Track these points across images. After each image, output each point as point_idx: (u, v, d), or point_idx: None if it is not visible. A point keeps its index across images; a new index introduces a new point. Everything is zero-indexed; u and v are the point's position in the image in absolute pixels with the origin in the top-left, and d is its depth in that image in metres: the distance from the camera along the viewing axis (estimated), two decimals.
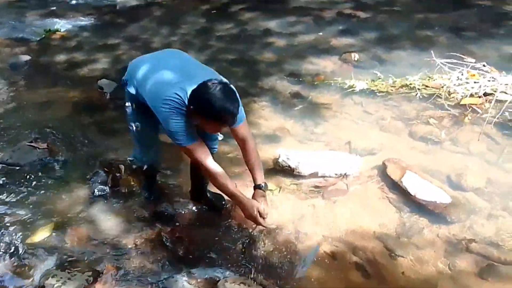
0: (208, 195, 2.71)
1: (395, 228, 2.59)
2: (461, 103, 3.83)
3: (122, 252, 2.42)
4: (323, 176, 2.97)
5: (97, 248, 2.48)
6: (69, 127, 3.68)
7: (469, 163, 3.15)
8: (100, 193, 2.86)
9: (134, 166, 2.60)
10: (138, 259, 2.38)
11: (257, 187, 2.28)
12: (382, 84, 4.27)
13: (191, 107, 1.94)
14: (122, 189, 2.92)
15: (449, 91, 4.02)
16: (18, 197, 2.88)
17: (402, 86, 4.22)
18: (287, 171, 2.99)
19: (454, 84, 4.10)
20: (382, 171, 3.03)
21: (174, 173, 3.05)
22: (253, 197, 2.26)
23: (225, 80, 2.03)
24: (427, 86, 4.16)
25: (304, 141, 3.50)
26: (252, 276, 2.25)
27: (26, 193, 2.91)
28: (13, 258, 2.41)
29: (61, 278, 2.18)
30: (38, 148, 3.31)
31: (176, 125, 1.98)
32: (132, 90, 2.21)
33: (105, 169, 3.03)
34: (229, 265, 2.33)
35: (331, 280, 2.24)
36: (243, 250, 2.41)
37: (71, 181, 3.04)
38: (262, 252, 2.42)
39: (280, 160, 3.00)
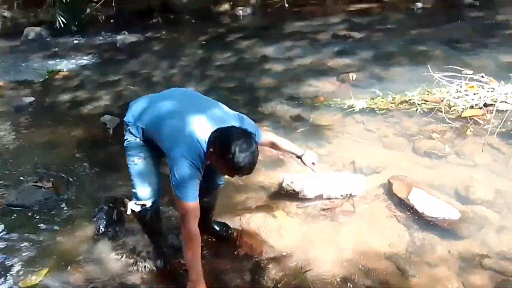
0: (214, 225, 2.68)
1: (405, 247, 2.55)
2: (462, 115, 3.83)
3: None
4: (328, 198, 2.95)
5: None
6: (73, 164, 3.70)
7: (476, 175, 3.12)
8: (105, 229, 2.84)
9: (138, 210, 2.35)
10: None
11: (301, 156, 2.50)
12: (382, 101, 4.30)
13: (211, 149, 1.90)
14: (128, 224, 2.90)
15: (449, 104, 4.04)
16: (23, 240, 2.87)
17: (401, 102, 4.24)
18: (292, 195, 2.97)
19: (454, 97, 4.11)
20: (388, 190, 3.00)
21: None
22: (304, 162, 2.51)
23: (249, 130, 1.98)
24: (426, 101, 4.18)
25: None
26: None
27: (30, 235, 2.90)
28: None
29: None
30: (43, 188, 3.33)
31: (189, 176, 1.93)
32: (136, 132, 2.18)
33: (110, 204, 3.02)
34: None
35: None
36: (251, 279, 2.36)
37: (77, 219, 3.03)
38: (271, 281, 2.38)
39: (284, 184, 2.99)
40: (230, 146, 1.82)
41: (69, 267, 2.59)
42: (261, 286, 2.35)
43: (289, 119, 4.25)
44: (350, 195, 2.94)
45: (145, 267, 2.52)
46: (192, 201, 1.97)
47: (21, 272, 2.58)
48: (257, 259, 2.52)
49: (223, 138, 1.88)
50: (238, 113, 2.17)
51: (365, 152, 3.55)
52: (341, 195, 2.95)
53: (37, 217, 3.08)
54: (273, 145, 2.39)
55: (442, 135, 3.68)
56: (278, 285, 2.34)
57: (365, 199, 2.98)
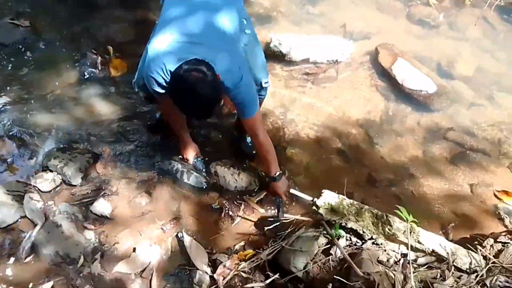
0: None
1: (379, 115, 2.71)
2: None
3: (117, 135, 2.52)
4: (314, 63, 2.96)
5: (92, 130, 2.56)
6: (50, 1, 3.45)
7: (462, 50, 3.13)
8: (90, 75, 2.84)
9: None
10: (132, 143, 2.49)
11: (271, 179, 2.12)
12: None
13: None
14: (112, 72, 2.89)
15: None
16: (8, 77, 2.86)
17: None
18: (279, 57, 2.95)
19: None
20: (374, 58, 3.02)
21: None
22: (273, 189, 2.17)
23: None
24: None
25: (299, 22, 3.37)
26: (244, 163, 2.40)
27: (15, 72, 2.88)
28: (13, 139, 2.51)
29: (63, 159, 2.32)
30: (21, 26, 3.16)
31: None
32: None
33: (93, 50, 2.95)
34: (221, 150, 2.48)
35: (315, 163, 2.43)
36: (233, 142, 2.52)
37: (59, 62, 2.97)
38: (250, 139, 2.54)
39: (271, 45, 2.94)
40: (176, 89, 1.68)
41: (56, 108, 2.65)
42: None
43: None
44: (336, 61, 2.95)
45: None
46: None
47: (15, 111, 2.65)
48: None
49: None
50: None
51: (359, 15, 3.43)
52: (327, 61, 2.96)
53: (18, 56, 3.01)
54: (252, 139, 2.11)
55: (440, 2, 3.53)
56: None
57: (350, 66, 3.01)
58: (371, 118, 2.69)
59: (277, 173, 2.07)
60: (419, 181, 2.37)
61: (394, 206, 1.88)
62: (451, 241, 1.90)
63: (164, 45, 1.72)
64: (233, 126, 2.53)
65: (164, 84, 1.73)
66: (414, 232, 1.77)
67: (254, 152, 2.47)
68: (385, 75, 2.90)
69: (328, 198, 1.82)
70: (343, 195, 1.87)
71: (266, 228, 2.07)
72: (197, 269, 1.95)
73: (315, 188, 2.20)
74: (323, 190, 1.85)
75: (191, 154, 2.31)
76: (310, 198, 1.85)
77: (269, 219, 2.06)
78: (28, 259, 2.00)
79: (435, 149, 2.54)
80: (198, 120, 1.96)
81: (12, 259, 2.00)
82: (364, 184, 2.31)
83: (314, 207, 1.81)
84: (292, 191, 1.82)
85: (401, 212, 1.68)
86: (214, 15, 1.83)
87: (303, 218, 1.87)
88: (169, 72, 1.69)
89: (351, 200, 1.84)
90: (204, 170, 2.34)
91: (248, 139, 2.48)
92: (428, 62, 3.01)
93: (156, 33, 1.80)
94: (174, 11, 1.85)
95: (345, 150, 2.50)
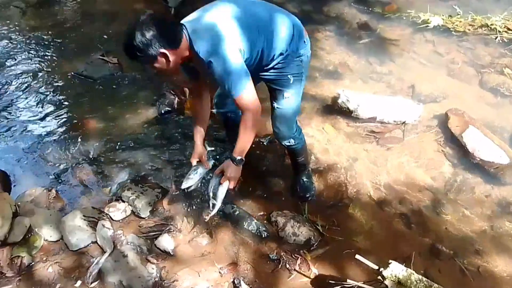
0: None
1: (445, 183, 2.64)
2: None
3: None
4: (381, 122, 2.98)
5: (164, 166, 2.73)
6: None
7: None
8: (166, 114, 3.05)
9: None
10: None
11: (231, 158, 2.01)
12: (460, 21, 3.97)
13: None
14: (187, 112, 3.09)
15: None
16: (94, 108, 3.14)
17: (481, 26, 3.91)
18: (346, 113, 3.01)
19: None
20: (443, 122, 2.99)
21: None
22: (224, 166, 2.06)
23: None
24: (509, 29, 3.83)
25: (366, 79, 3.44)
26: (303, 212, 2.43)
27: (101, 104, 3.17)
28: (93, 166, 2.72)
29: (135, 191, 2.48)
30: (110, 63, 3.50)
31: None
32: None
33: (171, 91, 3.18)
34: (282, 200, 2.53)
35: (376, 225, 2.40)
36: (294, 187, 2.57)
37: (140, 99, 3.25)
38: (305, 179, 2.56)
39: (339, 101, 3.01)
40: None
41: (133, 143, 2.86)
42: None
43: (355, 26, 4.04)
44: (404, 122, 2.96)
45: None
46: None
47: (97, 140, 2.90)
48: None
49: None
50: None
51: (428, 77, 3.43)
52: (394, 121, 2.97)
53: (105, 90, 3.31)
54: (241, 124, 1.92)
55: None
56: (320, 195, 2.55)
57: (417, 128, 2.99)
58: (436, 185, 2.64)
59: (239, 158, 1.97)
60: (486, 258, 2.26)
61: (459, 282, 1.81)
62: None
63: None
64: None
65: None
66: None
67: (308, 195, 2.50)
68: (454, 141, 2.85)
69: (396, 270, 1.78)
70: (409, 265, 1.83)
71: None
72: None
73: (374, 252, 2.17)
74: (390, 261, 1.82)
75: (194, 157, 2.21)
76: (376, 267, 1.82)
77: (328, 280, 2.05)
78: (93, 284, 2.12)
79: (505, 225, 2.42)
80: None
81: (79, 282, 2.13)
82: (427, 254, 2.24)
83: (379, 277, 1.79)
84: (357, 256, 1.82)
85: None
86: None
87: (366, 286, 1.84)
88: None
89: (420, 276, 1.79)
90: (199, 177, 2.22)
91: (304, 179, 2.51)
92: (500, 133, 2.93)
93: None
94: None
95: (408, 215, 2.45)
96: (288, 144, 2.29)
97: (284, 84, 2.05)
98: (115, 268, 2.14)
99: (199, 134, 2.20)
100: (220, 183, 2.07)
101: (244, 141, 1.95)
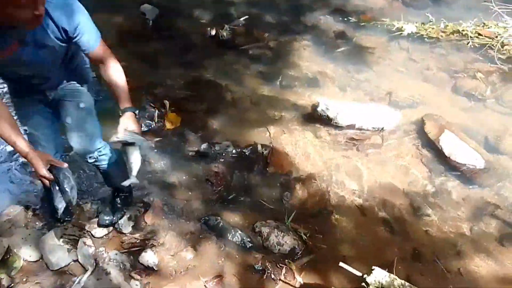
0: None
1: (424, 187, 2.70)
2: None
3: (168, 187, 2.64)
4: (360, 129, 3.03)
5: (144, 180, 2.70)
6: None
7: (510, 125, 3.12)
8: (147, 127, 3.02)
9: None
10: (183, 195, 2.60)
11: (125, 110, 1.88)
12: (433, 28, 4.09)
13: None
14: (167, 125, 3.07)
15: (502, 42, 3.82)
16: None
17: (453, 32, 4.03)
18: (325, 121, 3.05)
19: (510, 35, 3.87)
20: (420, 128, 3.06)
21: (212, 114, 3.16)
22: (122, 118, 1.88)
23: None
24: (480, 35, 3.96)
25: (344, 87, 3.50)
26: (286, 221, 2.45)
27: None
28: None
29: None
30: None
31: None
32: None
33: (151, 104, 3.16)
34: (265, 210, 2.54)
35: (357, 233, 2.43)
36: (279, 198, 2.58)
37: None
38: (296, 199, 2.60)
39: (319, 109, 3.05)
40: None
41: None
42: (286, 207, 2.55)
43: (332, 35, 4.11)
44: (382, 128, 3.02)
45: None
46: None
47: None
48: (284, 178, 2.71)
49: None
50: None
51: (404, 84, 3.52)
52: (373, 127, 3.03)
53: None
54: (104, 69, 1.89)
55: (487, 76, 3.58)
56: (303, 204, 2.57)
57: (395, 134, 3.06)
58: (416, 189, 2.69)
59: (129, 106, 1.88)
60: (466, 260, 2.32)
61: (441, 284, 1.84)
62: None
63: None
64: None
65: None
66: None
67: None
68: (431, 146, 2.92)
69: (379, 276, 1.81)
70: (391, 271, 1.86)
71: None
72: None
73: (358, 259, 2.20)
74: (373, 267, 1.85)
75: (41, 168, 1.75)
76: (359, 274, 1.85)
77: None
78: None
79: (483, 226, 2.49)
80: None
81: None
82: (409, 259, 2.28)
83: (363, 284, 1.81)
84: (341, 264, 1.83)
85: None
86: None
87: None
88: None
89: (403, 281, 1.82)
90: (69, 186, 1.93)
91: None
92: (475, 136, 3.02)
93: None
94: None
95: (390, 221, 2.49)
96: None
97: None
98: (97, 286, 2.10)
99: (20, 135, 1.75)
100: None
101: (126, 90, 1.89)
